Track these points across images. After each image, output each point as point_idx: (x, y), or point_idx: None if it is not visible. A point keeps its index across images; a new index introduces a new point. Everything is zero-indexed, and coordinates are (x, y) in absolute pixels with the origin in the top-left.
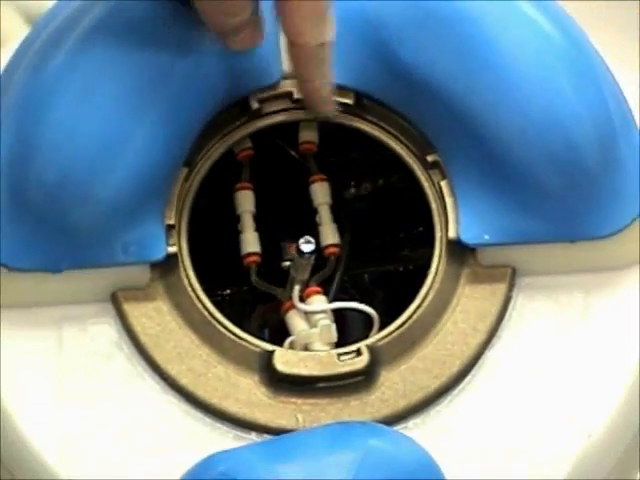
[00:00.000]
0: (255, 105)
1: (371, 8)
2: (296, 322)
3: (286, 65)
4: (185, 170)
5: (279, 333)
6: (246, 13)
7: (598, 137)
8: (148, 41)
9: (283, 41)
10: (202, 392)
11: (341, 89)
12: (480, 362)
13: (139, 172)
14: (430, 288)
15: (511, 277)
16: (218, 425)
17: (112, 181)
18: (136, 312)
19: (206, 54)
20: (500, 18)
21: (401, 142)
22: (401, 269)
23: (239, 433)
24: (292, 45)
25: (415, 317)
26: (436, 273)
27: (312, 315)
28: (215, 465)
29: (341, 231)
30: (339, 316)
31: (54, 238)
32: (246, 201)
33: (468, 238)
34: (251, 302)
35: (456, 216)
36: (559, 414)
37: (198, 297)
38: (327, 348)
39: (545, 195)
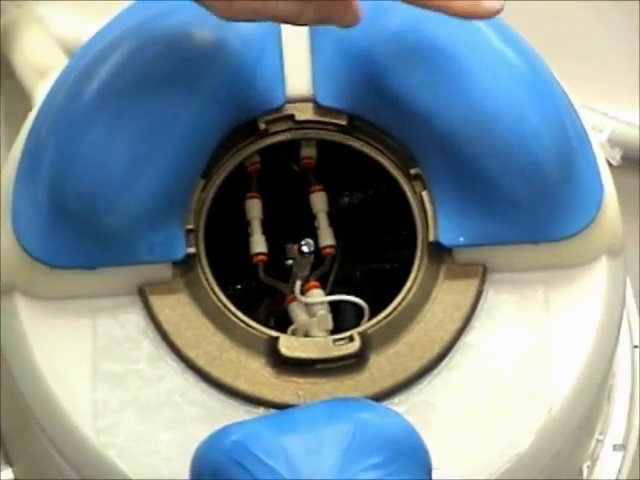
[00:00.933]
0: (262, 126)
1: (362, 41)
2: (298, 312)
3: (289, 90)
4: (202, 182)
5: (283, 322)
6: None
7: (557, 153)
8: (168, 75)
9: (287, 68)
10: (216, 372)
11: (335, 112)
12: (456, 347)
13: (162, 184)
14: (413, 283)
15: (482, 274)
16: (230, 401)
17: (139, 192)
18: (160, 303)
19: (219, 83)
20: (473, 50)
21: (388, 157)
22: (388, 267)
23: (248, 408)
24: None
25: (400, 308)
26: (418, 270)
27: (311, 306)
28: (229, 435)
29: (336, 234)
30: (334, 307)
31: (89, 240)
32: (255, 208)
33: (445, 240)
34: (259, 295)
35: (435, 221)
36: (524, 392)
37: (213, 291)
38: (324, 335)
39: (512, 203)
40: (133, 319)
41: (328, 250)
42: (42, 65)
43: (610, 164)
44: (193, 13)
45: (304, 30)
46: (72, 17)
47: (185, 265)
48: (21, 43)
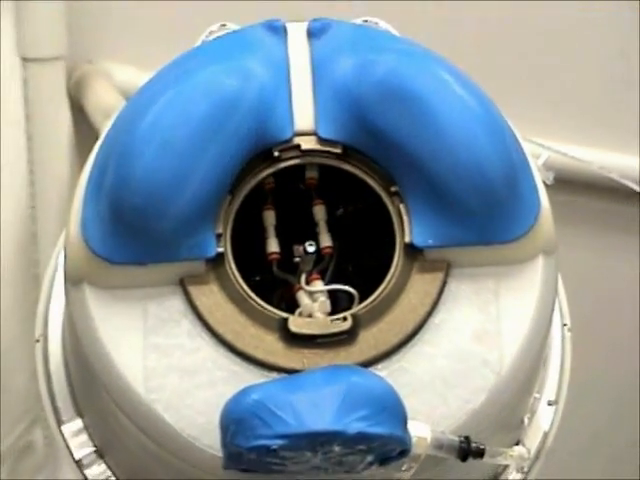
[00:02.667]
0: (276, 154)
1: (354, 87)
2: (303, 298)
3: (297, 126)
4: (229, 197)
5: (292, 306)
6: None
7: (505, 175)
8: (203, 115)
9: (295, 109)
10: (240, 345)
11: (333, 143)
12: (426, 325)
13: (199, 199)
14: (392, 276)
15: (446, 269)
16: (251, 367)
17: (180, 205)
18: (196, 292)
19: (243, 122)
20: (439, 95)
21: (373, 178)
22: (373, 263)
23: (264, 373)
24: None
25: (382, 295)
26: (397, 266)
27: (314, 294)
28: (249, 394)
29: (333, 237)
30: (332, 294)
31: (141, 242)
32: (270, 217)
33: (418, 242)
34: (273, 285)
35: (410, 228)
36: (478, 360)
37: (238, 282)
38: (323, 316)
39: (469, 213)
40: (175, 304)
41: (327, 250)
42: (107, 108)
43: (545, 184)
44: (223, 68)
45: (308, 79)
46: (130, 71)
47: (216, 262)
48: (91, 91)
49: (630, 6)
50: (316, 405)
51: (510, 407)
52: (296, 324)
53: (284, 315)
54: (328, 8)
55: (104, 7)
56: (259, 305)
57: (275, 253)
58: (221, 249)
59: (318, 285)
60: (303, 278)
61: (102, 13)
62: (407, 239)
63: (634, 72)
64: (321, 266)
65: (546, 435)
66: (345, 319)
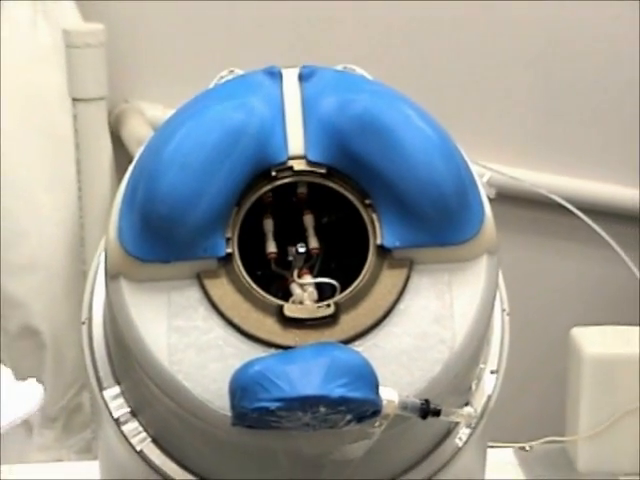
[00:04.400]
0: (273, 174)
1: (337, 118)
2: (295, 289)
3: (290, 151)
4: (236, 208)
5: (287, 295)
6: None
7: (456, 190)
8: (214, 143)
9: (289, 137)
10: (246, 327)
11: (319, 165)
12: (393, 311)
13: (212, 210)
14: (367, 271)
15: (410, 265)
16: (254, 345)
17: (198, 215)
18: (210, 284)
19: (247, 149)
20: (404, 126)
21: (352, 193)
22: (351, 261)
23: (265, 349)
24: None
25: (359, 287)
26: (370, 263)
27: (304, 285)
28: (253, 365)
29: (320, 240)
30: (318, 286)
31: (165, 244)
32: (269, 224)
33: (387, 244)
34: (272, 279)
35: (381, 232)
36: (435, 338)
37: (243, 276)
38: (312, 303)
39: (428, 221)
40: (193, 294)
41: (314, 251)
42: (139, 138)
43: (488, 197)
44: (231, 105)
45: (299, 114)
46: (158, 108)
47: (226, 260)
48: (127, 125)
49: (550, 41)
50: (306, 374)
51: (461, 376)
52: (290, 310)
53: (280, 303)
54: (316, 57)
55: (137, 57)
56: (260, 295)
57: (273, 253)
58: (230, 250)
59: (307, 278)
60: (295, 273)
61: (135, 62)
62: (378, 242)
63: (558, 105)
64: (310, 263)
65: (489, 398)
66: (329, 306)
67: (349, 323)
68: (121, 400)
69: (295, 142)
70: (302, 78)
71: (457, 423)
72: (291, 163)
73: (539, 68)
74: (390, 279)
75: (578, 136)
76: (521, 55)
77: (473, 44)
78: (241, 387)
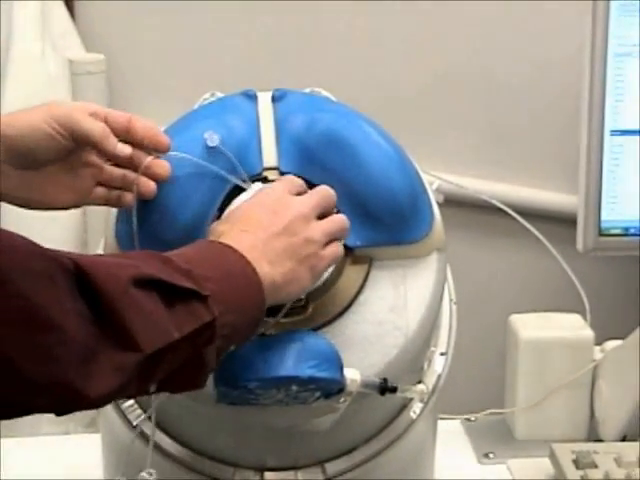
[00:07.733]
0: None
1: (305, 134)
2: None
3: (265, 163)
4: (217, 213)
5: None
6: None
7: (409, 196)
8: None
9: (264, 152)
10: None
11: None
12: (355, 302)
13: (197, 216)
14: (334, 268)
15: (370, 262)
16: None
17: (187, 219)
18: None
19: (228, 163)
20: (364, 141)
21: None
22: None
23: None
24: None
25: (325, 281)
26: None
27: None
28: (234, 350)
29: None
30: None
31: (157, 244)
32: None
33: (349, 243)
34: None
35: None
36: (392, 325)
37: None
38: None
39: (385, 223)
40: None
41: None
42: None
43: (437, 202)
44: (212, 123)
45: (272, 131)
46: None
47: None
48: None
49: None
50: (280, 357)
51: (414, 358)
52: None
53: None
54: (287, 80)
55: (134, 83)
56: None
57: None
58: None
59: None
60: None
61: (132, 87)
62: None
63: (498, 120)
64: None
65: (439, 376)
66: (301, 299)
67: (317, 312)
68: None
69: (269, 155)
70: (275, 100)
71: (411, 399)
72: (266, 174)
73: (480, 87)
74: (352, 274)
75: (516, 148)
76: (462, 77)
77: (424, 67)
78: (224, 369)
